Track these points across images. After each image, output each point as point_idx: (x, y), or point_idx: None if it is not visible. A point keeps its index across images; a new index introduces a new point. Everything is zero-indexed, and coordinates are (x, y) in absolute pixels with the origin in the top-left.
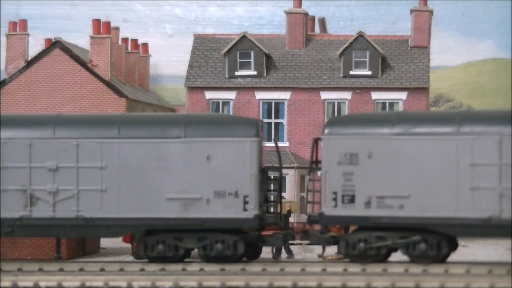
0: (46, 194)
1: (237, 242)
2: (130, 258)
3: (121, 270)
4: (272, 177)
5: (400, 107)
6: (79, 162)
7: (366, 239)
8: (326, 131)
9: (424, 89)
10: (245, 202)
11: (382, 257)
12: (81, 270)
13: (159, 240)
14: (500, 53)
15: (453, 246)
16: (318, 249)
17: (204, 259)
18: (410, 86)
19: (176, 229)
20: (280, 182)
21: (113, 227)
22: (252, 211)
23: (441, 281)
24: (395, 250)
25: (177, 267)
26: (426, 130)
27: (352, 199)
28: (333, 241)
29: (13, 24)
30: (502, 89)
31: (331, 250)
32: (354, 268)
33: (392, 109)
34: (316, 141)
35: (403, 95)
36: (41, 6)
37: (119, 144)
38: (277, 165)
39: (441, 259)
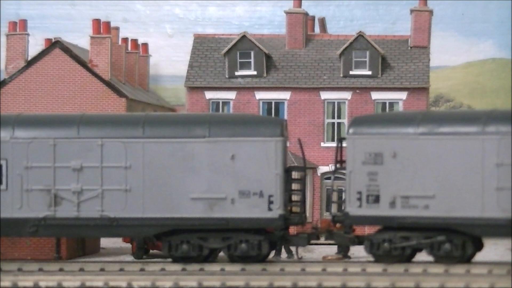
0: (70, 194)
1: (261, 242)
2: (130, 258)
3: (121, 270)
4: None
5: (400, 107)
6: (103, 162)
7: (391, 239)
8: (350, 130)
9: (424, 89)
10: (270, 202)
11: (406, 257)
12: (81, 270)
13: (183, 240)
14: (500, 53)
15: (479, 247)
16: (318, 249)
17: (229, 258)
18: (410, 86)
19: (201, 229)
20: (305, 182)
21: (137, 227)
22: (277, 211)
23: (441, 281)
24: (419, 250)
25: (177, 267)
26: (451, 130)
27: (376, 199)
28: (357, 241)
29: (13, 24)
30: (502, 89)
31: (331, 250)
32: (354, 268)
33: (392, 109)
34: (340, 140)
35: (403, 95)
36: (41, 6)
37: (143, 143)
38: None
39: (466, 260)
